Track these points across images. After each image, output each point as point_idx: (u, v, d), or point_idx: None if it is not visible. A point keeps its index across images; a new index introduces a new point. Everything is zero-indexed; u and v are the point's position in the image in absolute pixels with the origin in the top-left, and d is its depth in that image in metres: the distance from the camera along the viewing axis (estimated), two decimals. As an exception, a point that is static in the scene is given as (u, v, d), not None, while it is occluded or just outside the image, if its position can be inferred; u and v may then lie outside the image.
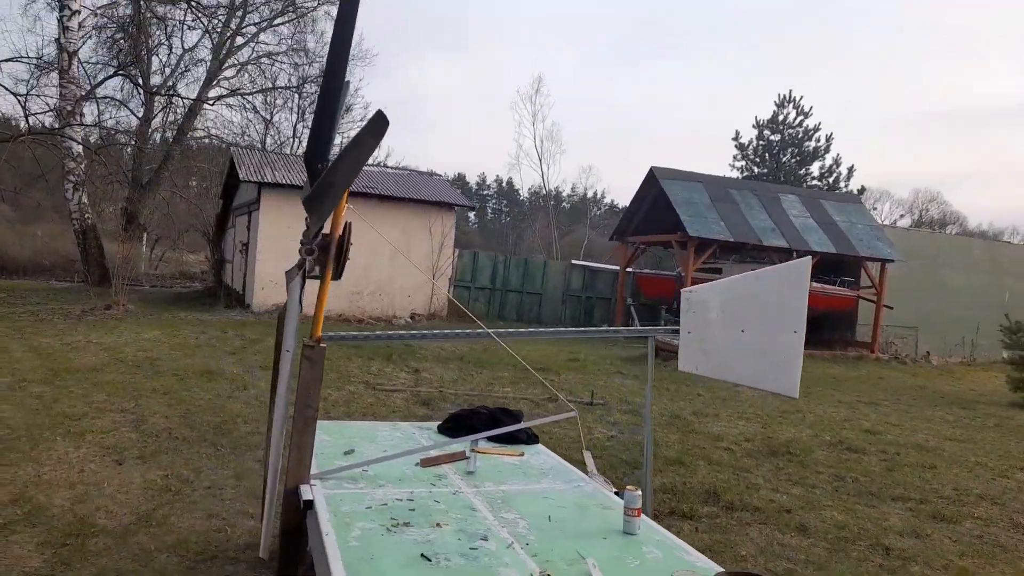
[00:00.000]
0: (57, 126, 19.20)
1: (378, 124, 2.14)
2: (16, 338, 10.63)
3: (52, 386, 7.61)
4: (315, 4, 27.43)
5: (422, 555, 2.43)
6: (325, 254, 3.01)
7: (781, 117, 40.04)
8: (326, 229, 3.04)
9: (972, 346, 23.31)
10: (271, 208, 17.64)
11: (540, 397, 9.10)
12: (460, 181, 60.12)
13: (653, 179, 19.15)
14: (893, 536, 4.99)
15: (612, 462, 6.37)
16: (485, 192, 67.53)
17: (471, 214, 58.38)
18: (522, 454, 3.89)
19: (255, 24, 28.03)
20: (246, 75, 31.24)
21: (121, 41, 22.63)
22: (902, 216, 56.58)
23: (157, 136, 27.16)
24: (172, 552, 3.99)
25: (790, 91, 43.49)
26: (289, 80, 33.71)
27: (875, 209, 54.19)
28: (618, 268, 22.19)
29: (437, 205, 19.49)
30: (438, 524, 2.73)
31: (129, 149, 24.80)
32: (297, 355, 3.10)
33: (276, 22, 28.18)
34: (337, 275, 3.06)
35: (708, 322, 3.65)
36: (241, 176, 17.41)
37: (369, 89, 60.24)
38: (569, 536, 2.71)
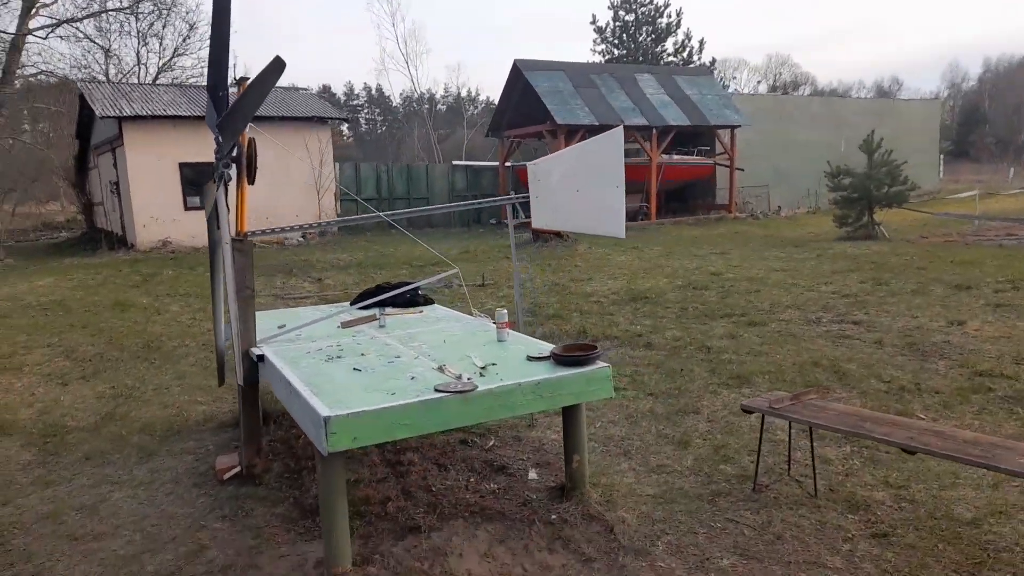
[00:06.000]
0: None
1: (276, 66, 2.90)
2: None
3: (-35, 337, 7.88)
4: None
5: (354, 368, 3.43)
6: (239, 164, 3.78)
7: (634, -4, 40.98)
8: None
9: (816, 196, 26.25)
10: (137, 142, 17.13)
11: (438, 284, 10.12)
12: (327, 93, 57.35)
13: (518, 72, 19.86)
14: (715, 340, 6.49)
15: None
16: (355, 102, 65.01)
17: (344, 127, 56.34)
18: (422, 311, 4.92)
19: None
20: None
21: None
22: (759, 82, 59.95)
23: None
24: (142, 433, 4.82)
25: (641, -33, 44.18)
26: (121, 1, 31.15)
27: (734, 78, 56.96)
28: (498, 164, 23.10)
29: (309, 121, 19.44)
30: (362, 354, 3.73)
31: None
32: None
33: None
34: (251, 180, 3.86)
35: (551, 187, 4.70)
36: (97, 112, 16.71)
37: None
38: (459, 349, 3.79)
